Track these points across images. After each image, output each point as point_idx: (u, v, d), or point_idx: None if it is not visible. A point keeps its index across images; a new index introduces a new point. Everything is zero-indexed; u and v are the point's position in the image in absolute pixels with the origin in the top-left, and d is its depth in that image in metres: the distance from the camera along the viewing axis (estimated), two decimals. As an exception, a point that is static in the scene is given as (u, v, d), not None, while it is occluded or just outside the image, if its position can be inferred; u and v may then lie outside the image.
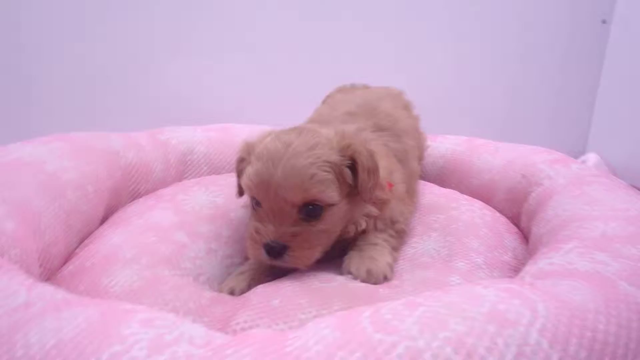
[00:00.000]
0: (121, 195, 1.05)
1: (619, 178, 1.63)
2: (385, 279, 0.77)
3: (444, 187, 1.17)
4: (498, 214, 0.99)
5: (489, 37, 1.76)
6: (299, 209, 0.73)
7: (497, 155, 1.10)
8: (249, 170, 0.74)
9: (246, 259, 0.89)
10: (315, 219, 0.74)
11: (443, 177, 1.26)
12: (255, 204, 0.76)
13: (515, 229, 0.96)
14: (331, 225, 0.77)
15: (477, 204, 1.01)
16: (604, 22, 1.74)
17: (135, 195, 1.09)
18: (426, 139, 1.25)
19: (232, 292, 0.78)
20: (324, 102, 1.27)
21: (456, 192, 1.09)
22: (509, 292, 0.46)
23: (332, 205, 0.74)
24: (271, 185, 0.71)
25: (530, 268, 0.58)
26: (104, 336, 0.44)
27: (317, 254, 0.76)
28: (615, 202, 0.71)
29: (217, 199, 1.01)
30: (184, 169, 1.27)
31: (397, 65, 1.75)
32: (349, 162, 0.75)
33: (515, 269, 0.82)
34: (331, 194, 0.73)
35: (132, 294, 0.69)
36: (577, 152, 1.87)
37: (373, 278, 0.76)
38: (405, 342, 0.40)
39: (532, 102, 1.84)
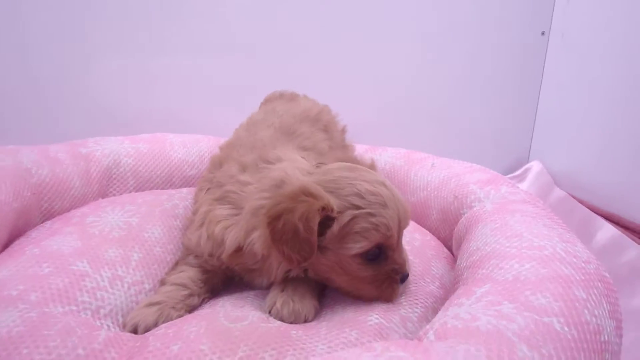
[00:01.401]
0: (31, 216, 0.97)
1: (559, 186, 1.67)
2: (305, 320, 0.73)
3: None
4: (429, 237, 0.96)
5: (432, 49, 1.74)
6: None
7: (433, 172, 1.07)
8: (379, 220, 0.71)
9: (161, 283, 0.83)
10: None
11: (381, 192, 1.21)
12: (374, 253, 0.74)
13: (446, 252, 0.93)
14: None
15: (409, 226, 0.97)
16: (542, 33, 1.75)
17: (48, 215, 1.01)
18: (354, 150, 1.22)
19: (135, 330, 0.72)
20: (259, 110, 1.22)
21: None
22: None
23: None
24: (401, 223, 0.75)
25: (437, 320, 0.55)
26: None
27: None
28: (534, 237, 0.68)
29: (132, 219, 0.94)
30: (107, 184, 1.19)
31: (347, 75, 1.71)
32: None
33: (439, 299, 0.79)
34: None
35: (10, 342, 0.60)
36: (522, 160, 1.88)
37: (295, 319, 0.72)
38: None
39: (478, 113, 1.84)
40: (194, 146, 1.33)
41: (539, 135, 1.85)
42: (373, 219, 0.70)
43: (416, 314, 0.73)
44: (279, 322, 0.71)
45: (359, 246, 0.70)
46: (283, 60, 1.65)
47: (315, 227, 0.68)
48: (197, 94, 1.65)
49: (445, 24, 1.73)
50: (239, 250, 0.77)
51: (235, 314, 0.71)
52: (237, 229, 0.77)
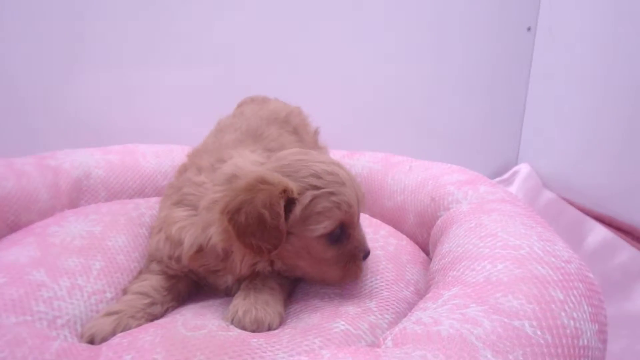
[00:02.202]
0: None
1: (548, 188, 1.62)
2: (269, 328, 0.69)
3: (359, 209, 1.11)
4: (405, 242, 0.92)
5: (412, 48, 1.69)
6: None
7: (410, 175, 1.04)
8: (340, 198, 0.71)
9: (123, 292, 0.80)
10: None
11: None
12: (339, 233, 0.73)
13: (422, 257, 0.89)
14: None
15: (384, 231, 0.94)
16: (528, 29, 1.70)
17: (15, 228, 0.98)
18: (328, 152, 1.20)
19: (92, 340, 0.69)
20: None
21: (365, 215, 1.02)
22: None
23: None
24: (360, 201, 0.75)
25: (397, 326, 0.50)
26: None
27: None
28: (509, 236, 0.64)
29: (95, 228, 0.92)
30: (77, 196, 1.16)
31: (323, 78, 1.66)
32: None
33: (413, 306, 0.73)
34: None
35: (-46, 354, 0.59)
36: (510, 163, 1.83)
37: (257, 328, 0.69)
38: None
39: (462, 115, 1.78)
40: (167, 156, 1.32)
41: (527, 137, 1.80)
42: (334, 198, 0.70)
43: (386, 321, 0.69)
44: (239, 330, 0.67)
45: (322, 226, 0.70)
46: (258, 68, 1.61)
47: (282, 212, 0.67)
48: (173, 105, 1.62)
49: (426, 22, 1.67)
50: (200, 250, 0.76)
51: (194, 323, 0.68)
52: (195, 228, 0.76)
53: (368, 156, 1.23)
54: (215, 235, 0.72)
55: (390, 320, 0.69)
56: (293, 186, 0.69)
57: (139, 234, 0.95)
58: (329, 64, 1.65)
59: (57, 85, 1.52)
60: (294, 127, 1.06)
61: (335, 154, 1.29)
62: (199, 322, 0.68)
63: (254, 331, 0.68)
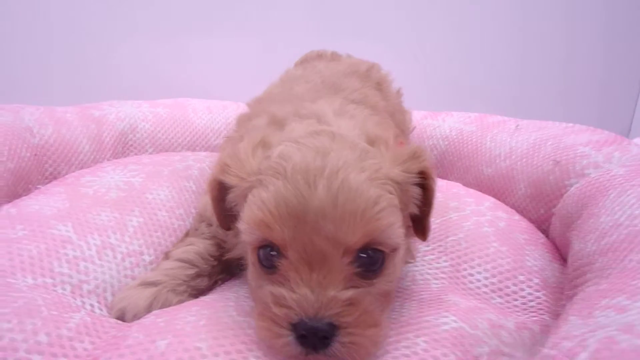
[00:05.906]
0: (32, 178, 0.88)
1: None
2: None
3: (444, 179, 0.94)
4: (517, 217, 0.73)
5: (528, 10, 1.46)
6: (353, 257, 0.45)
7: (518, 136, 0.85)
8: (262, 196, 0.46)
9: (164, 257, 0.66)
10: (373, 273, 0.47)
11: (445, 164, 1.00)
12: (269, 255, 0.48)
13: (543, 239, 0.70)
14: (394, 282, 0.50)
15: (488, 202, 0.76)
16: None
17: (53, 180, 0.91)
18: (411, 118, 1.04)
19: (121, 316, 0.58)
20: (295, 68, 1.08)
21: (459, 185, 0.85)
22: None
23: (396, 249, 0.49)
24: (308, 218, 0.44)
25: (589, 333, 0.32)
26: None
27: (386, 332, 0.48)
28: None
29: (134, 179, 0.82)
30: (122, 150, 1.08)
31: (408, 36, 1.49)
32: (417, 180, 0.52)
33: (542, 302, 0.56)
34: (399, 230, 0.48)
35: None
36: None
37: None
38: None
39: (558, 76, 1.52)
40: (220, 112, 1.23)
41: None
42: (259, 193, 0.47)
43: (512, 322, 0.52)
44: None
45: (242, 228, 0.49)
46: (322, 28, 1.51)
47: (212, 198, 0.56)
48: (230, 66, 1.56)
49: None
50: None
51: (251, 304, 0.54)
52: None
53: (457, 116, 1.05)
54: None
55: (517, 322, 0.52)
56: (239, 172, 0.51)
57: (185, 187, 0.84)
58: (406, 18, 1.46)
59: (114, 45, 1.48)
60: (376, 82, 0.91)
61: (415, 115, 1.12)
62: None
63: None
